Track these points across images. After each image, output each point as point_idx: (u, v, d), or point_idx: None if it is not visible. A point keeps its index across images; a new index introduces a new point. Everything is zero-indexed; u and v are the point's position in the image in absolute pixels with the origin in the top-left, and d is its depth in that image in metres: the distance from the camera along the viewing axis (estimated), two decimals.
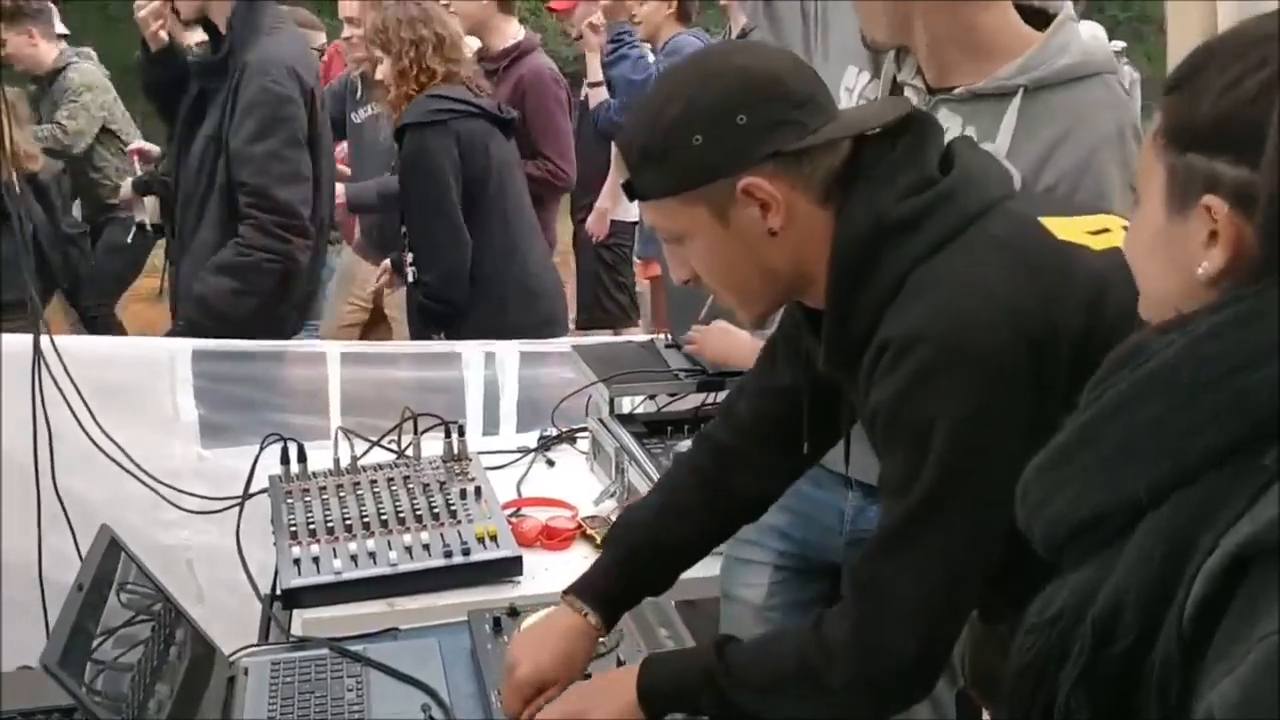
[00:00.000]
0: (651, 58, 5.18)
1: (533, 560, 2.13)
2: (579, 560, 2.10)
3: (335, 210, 3.97)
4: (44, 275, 4.62)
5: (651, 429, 2.57)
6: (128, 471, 2.52)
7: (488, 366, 3.32)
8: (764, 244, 1.39)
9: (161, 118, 3.78)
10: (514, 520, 2.28)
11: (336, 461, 2.36)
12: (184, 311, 3.47)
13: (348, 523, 2.14)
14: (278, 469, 2.34)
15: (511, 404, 3.30)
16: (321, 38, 6.04)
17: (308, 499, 2.23)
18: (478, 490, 2.25)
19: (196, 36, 3.82)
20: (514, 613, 1.88)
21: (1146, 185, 1.04)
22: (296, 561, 2.04)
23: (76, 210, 5.87)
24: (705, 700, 1.48)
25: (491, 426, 3.25)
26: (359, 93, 4.68)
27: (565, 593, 1.69)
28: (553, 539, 2.26)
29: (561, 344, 3.36)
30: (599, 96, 5.14)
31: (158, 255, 5.50)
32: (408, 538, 2.09)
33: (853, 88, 1.89)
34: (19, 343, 2.50)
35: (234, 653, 1.87)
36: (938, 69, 1.77)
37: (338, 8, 5.01)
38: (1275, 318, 0.92)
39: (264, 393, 3.20)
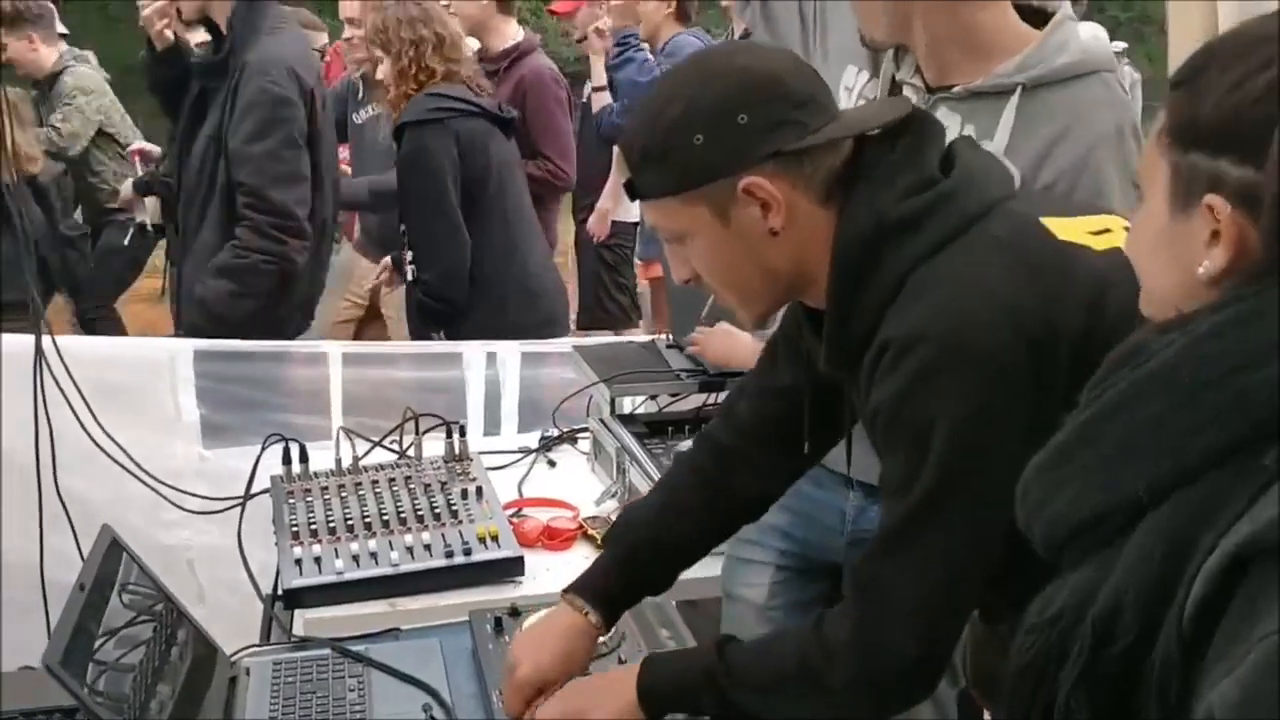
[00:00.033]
0: (652, 59, 5.18)
1: (534, 560, 2.13)
2: (580, 560, 2.10)
3: (338, 210, 3.97)
4: (42, 277, 4.62)
5: (653, 429, 2.57)
6: (129, 472, 2.52)
7: (489, 367, 3.33)
8: (765, 244, 1.39)
9: (167, 116, 3.78)
10: (515, 520, 2.28)
11: (338, 462, 2.36)
12: (186, 315, 3.47)
13: (349, 523, 2.14)
14: (279, 469, 2.34)
15: (513, 404, 3.30)
16: (324, 38, 6.05)
17: (309, 499, 2.23)
18: (479, 490, 2.25)
19: (201, 36, 3.83)
20: (515, 613, 1.88)
21: (1150, 183, 1.04)
22: (298, 562, 2.04)
23: (79, 213, 5.88)
24: (706, 700, 1.48)
25: (493, 427, 3.25)
26: (360, 93, 4.69)
27: (565, 591, 1.69)
28: (554, 539, 2.26)
29: (563, 344, 3.36)
30: (602, 101, 5.13)
31: (159, 256, 5.50)
32: (409, 538, 2.10)
33: (852, 87, 1.89)
34: (20, 343, 2.50)
35: (235, 653, 1.87)
36: (937, 68, 1.77)
37: (338, 8, 5.01)
38: (1276, 318, 0.92)
39: (265, 393, 3.20)
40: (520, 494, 2.50)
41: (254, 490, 2.36)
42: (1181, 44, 1.87)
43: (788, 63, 1.41)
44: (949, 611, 1.37)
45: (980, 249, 1.34)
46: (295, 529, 2.14)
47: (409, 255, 3.60)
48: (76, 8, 9.02)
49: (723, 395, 2.52)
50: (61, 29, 5.88)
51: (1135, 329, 1.06)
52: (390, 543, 2.08)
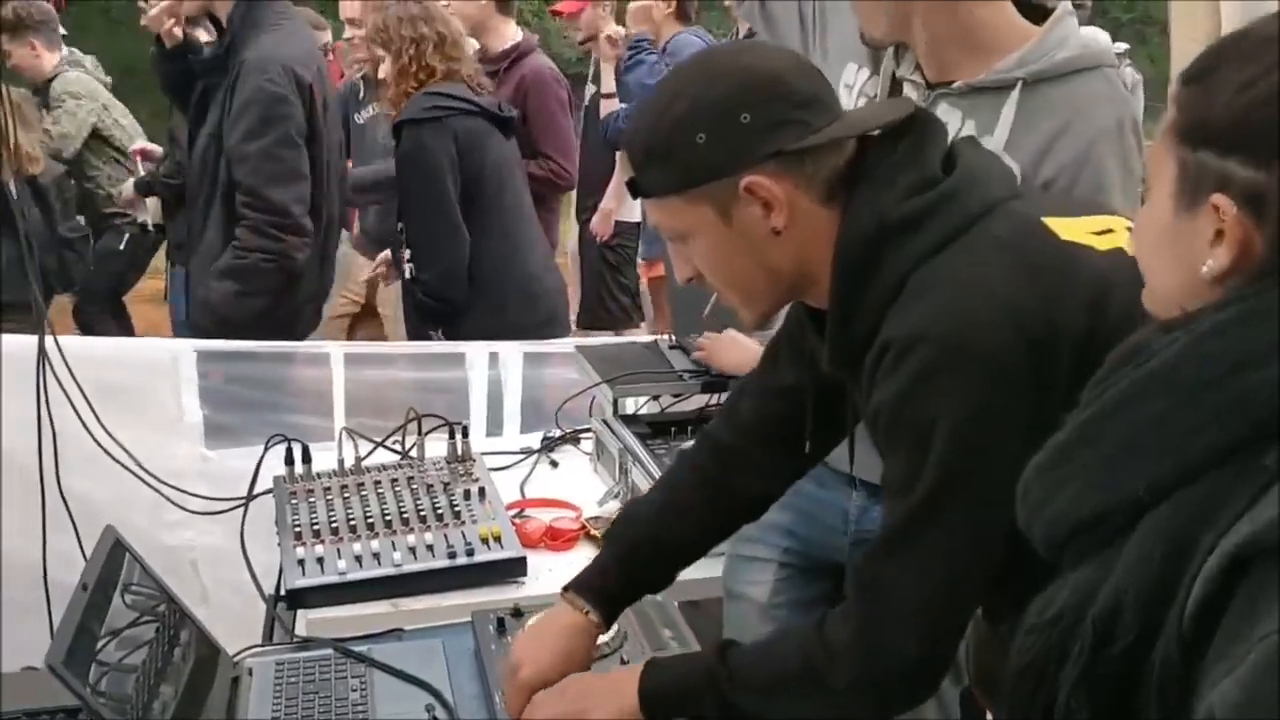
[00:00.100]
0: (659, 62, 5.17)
1: (537, 561, 2.13)
2: (583, 561, 2.08)
3: (345, 206, 3.97)
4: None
5: (655, 430, 2.57)
6: (132, 472, 2.52)
7: (491, 367, 3.32)
8: (767, 243, 1.39)
9: (181, 113, 3.79)
10: (518, 521, 2.28)
11: (341, 462, 2.36)
12: (195, 317, 3.48)
13: (352, 523, 2.14)
14: (282, 470, 2.34)
15: (515, 405, 3.30)
16: (327, 36, 6.05)
17: (312, 500, 2.24)
18: (481, 491, 2.25)
19: (208, 33, 3.83)
20: (518, 613, 1.88)
21: (1156, 179, 1.04)
22: (301, 562, 2.04)
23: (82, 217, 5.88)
24: (708, 704, 1.47)
25: (495, 427, 3.25)
26: (361, 93, 4.69)
27: (565, 589, 1.69)
28: (557, 540, 2.26)
29: (565, 344, 3.36)
30: (610, 106, 5.11)
31: (162, 257, 5.50)
32: (412, 538, 2.10)
33: (853, 84, 1.89)
34: (22, 344, 2.50)
35: (238, 653, 1.87)
36: (937, 66, 1.77)
37: (339, 9, 5.01)
38: (1278, 318, 0.92)
39: (268, 393, 3.20)
40: (523, 494, 2.50)
41: (257, 491, 2.36)
42: (1184, 45, 1.88)
43: (791, 62, 1.42)
44: (951, 611, 1.37)
45: (981, 249, 1.34)
46: (298, 529, 2.14)
47: (407, 254, 3.60)
48: (78, 9, 9.03)
49: (725, 396, 2.52)
50: (61, 31, 5.89)
51: (1137, 329, 1.06)
52: (393, 543, 2.09)
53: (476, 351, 3.33)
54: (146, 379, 3.06)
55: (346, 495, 2.24)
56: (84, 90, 5.67)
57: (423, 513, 2.16)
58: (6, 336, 2.71)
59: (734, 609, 2.19)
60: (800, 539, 2.13)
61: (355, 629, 1.93)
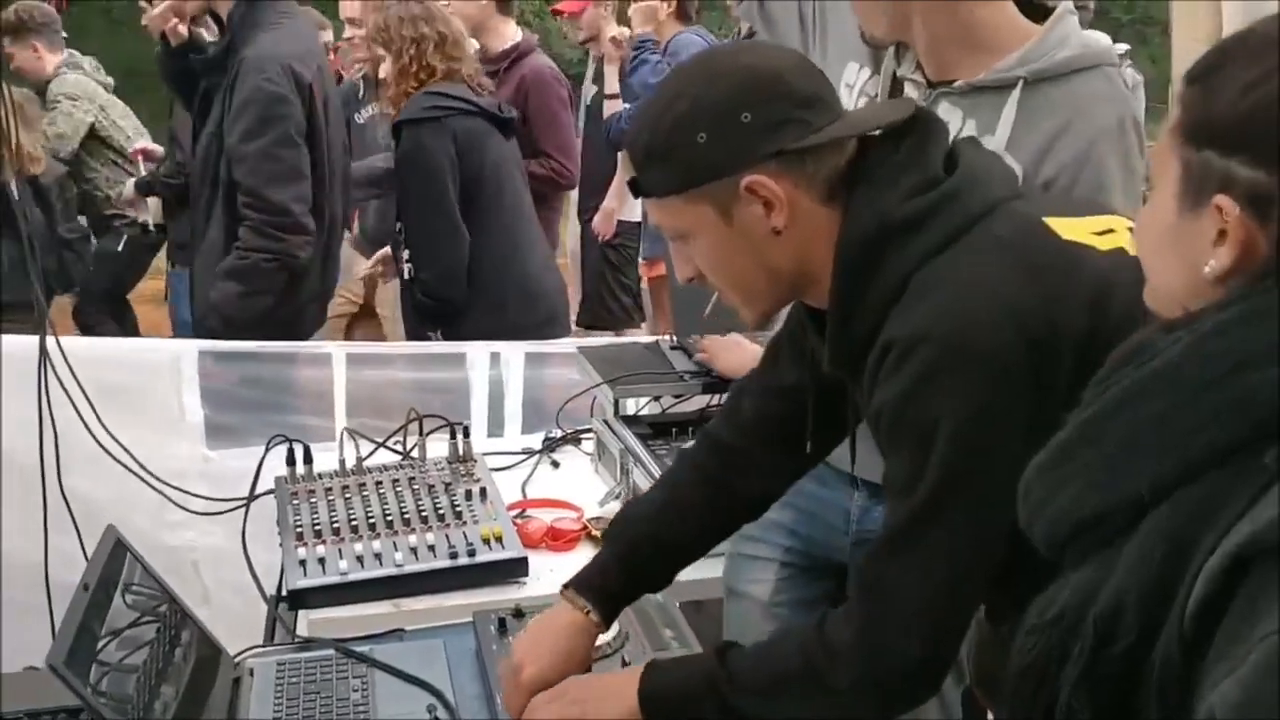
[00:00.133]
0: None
1: (538, 561, 2.13)
2: (584, 562, 2.09)
3: (349, 204, 3.96)
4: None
5: (656, 430, 2.57)
6: (133, 473, 2.52)
7: (492, 367, 3.32)
8: (768, 243, 1.39)
9: (187, 111, 3.79)
10: (519, 521, 2.28)
11: (342, 463, 2.36)
12: (201, 318, 3.48)
13: (353, 524, 2.14)
14: (283, 470, 2.34)
15: (516, 405, 3.30)
16: (328, 35, 6.05)
17: (313, 500, 2.24)
18: (483, 491, 2.25)
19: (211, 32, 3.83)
20: (519, 614, 1.88)
21: (1160, 178, 1.04)
22: (302, 562, 2.04)
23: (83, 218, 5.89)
24: (708, 706, 1.46)
25: (496, 428, 3.25)
26: (361, 93, 4.69)
27: (565, 587, 1.69)
28: (558, 540, 2.26)
29: (566, 345, 3.36)
30: (614, 107, 5.11)
31: (163, 257, 5.50)
32: (413, 539, 2.10)
33: (853, 84, 1.89)
34: (22, 344, 2.50)
35: (239, 653, 1.87)
36: (937, 65, 1.77)
37: (339, 9, 5.01)
38: (1279, 318, 0.92)
39: (269, 394, 3.20)
40: (524, 495, 2.50)
41: (258, 491, 2.36)
42: (1185, 45, 1.88)
43: (792, 62, 1.42)
44: (953, 611, 1.37)
45: (983, 249, 1.34)
46: (299, 530, 2.14)
47: (406, 254, 3.59)
48: (79, 10, 9.03)
49: (726, 397, 2.52)
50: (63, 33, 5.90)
51: (1139, 329, 1.06)
52: (394, 544, 2.09)
53: (477, 352, 3.33)
54: (147, 379, 3.07)
55: (348, 495, 2.24)
56: (80, 92, 5.68)
57: (424, 513, 2.16)
58: (7, 337, 2.72)
59: (735, 608, 2.19)
60: (802, 538, 2.13)
61: (356, 629, 1.93)
